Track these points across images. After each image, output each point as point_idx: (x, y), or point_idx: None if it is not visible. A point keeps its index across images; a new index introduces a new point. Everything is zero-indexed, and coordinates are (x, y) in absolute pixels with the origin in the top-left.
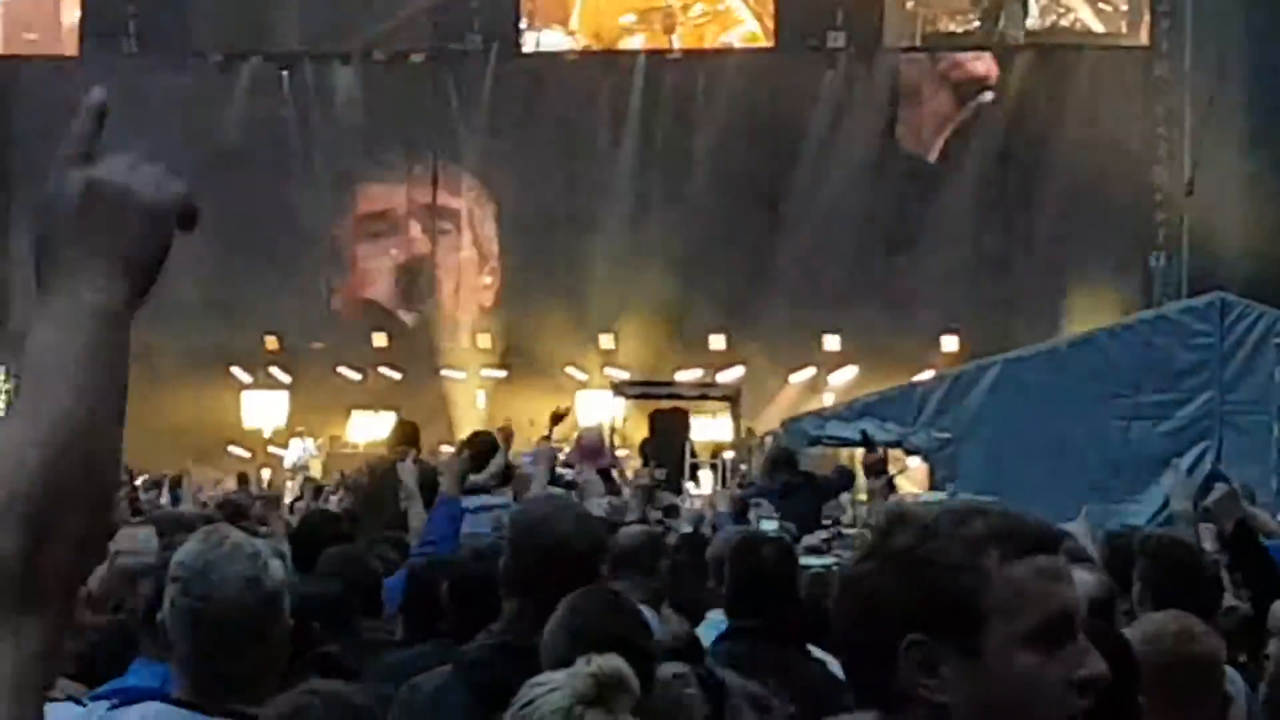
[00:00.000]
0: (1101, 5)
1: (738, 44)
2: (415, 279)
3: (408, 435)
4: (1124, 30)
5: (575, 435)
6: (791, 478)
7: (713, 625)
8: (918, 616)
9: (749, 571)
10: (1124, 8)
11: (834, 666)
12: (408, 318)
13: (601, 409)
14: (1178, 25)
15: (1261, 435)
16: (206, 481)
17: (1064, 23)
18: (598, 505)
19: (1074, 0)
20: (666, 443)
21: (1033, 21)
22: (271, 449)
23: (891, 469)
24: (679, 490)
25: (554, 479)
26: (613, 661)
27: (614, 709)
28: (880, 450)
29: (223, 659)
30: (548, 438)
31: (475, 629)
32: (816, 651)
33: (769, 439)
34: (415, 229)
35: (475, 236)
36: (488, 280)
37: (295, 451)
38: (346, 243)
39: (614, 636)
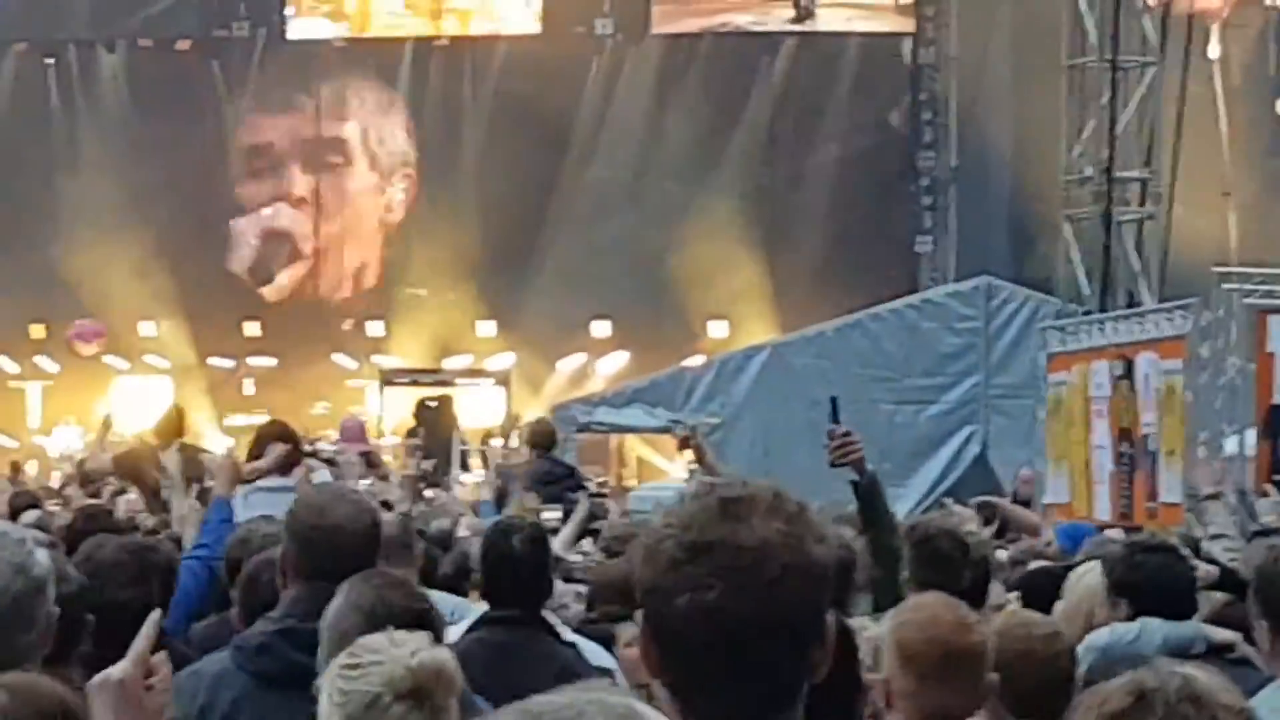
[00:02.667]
0: None
1: (505, 31)
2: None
3: (174, 423)
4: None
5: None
6: (552, 466)
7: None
8: None
9: (501, 560)
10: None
11: (587, 650)
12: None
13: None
14: (944, 11)
15: (1026, 419)
16: None
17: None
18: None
19: None
20: (434, 431)
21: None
22: (36, 439)
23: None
24: (446, 480)
25: (313, 454)
26: (437, 656)
27: (427, 703)
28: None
29: None
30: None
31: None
32: (569, 635)
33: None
34: None
35: None
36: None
37: (62, 441)
38: None
39: (412, 613)
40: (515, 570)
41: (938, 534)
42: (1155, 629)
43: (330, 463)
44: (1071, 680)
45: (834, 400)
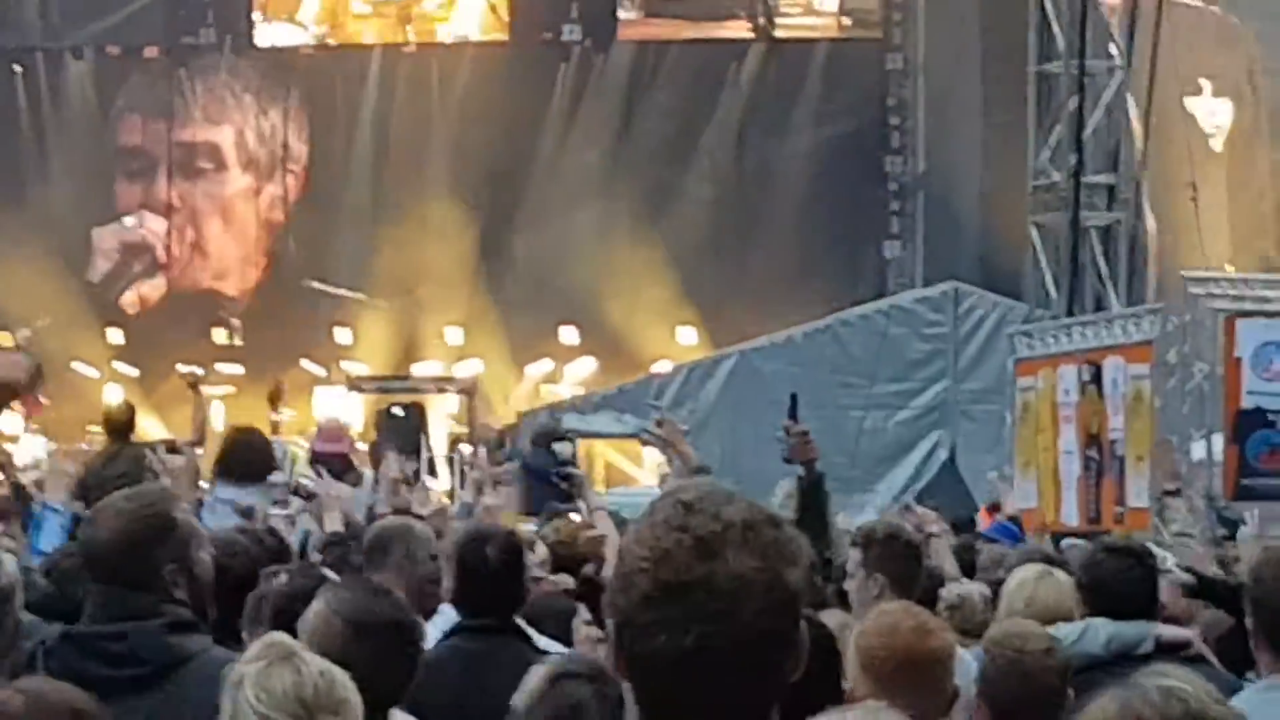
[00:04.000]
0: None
1: (473, 37)
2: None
3: (118, 425)
4: (855, 22)
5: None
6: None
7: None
8: None
9: (475, 568)
10: (858, 2)
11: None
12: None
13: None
14: (910, 16)
15: (994, 425)
16: None
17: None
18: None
19: None
20: (399, 438)
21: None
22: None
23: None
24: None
25: (295, 490)
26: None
27: None
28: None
29: None
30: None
31: None
32: (543, 642)
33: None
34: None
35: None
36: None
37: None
38: None
39: (387, 621)
40: (489, 578)
41: (893, 536)
42: (1099, 628)
43: (310, 496)
44: (1061, 693)
45: (794, 397)
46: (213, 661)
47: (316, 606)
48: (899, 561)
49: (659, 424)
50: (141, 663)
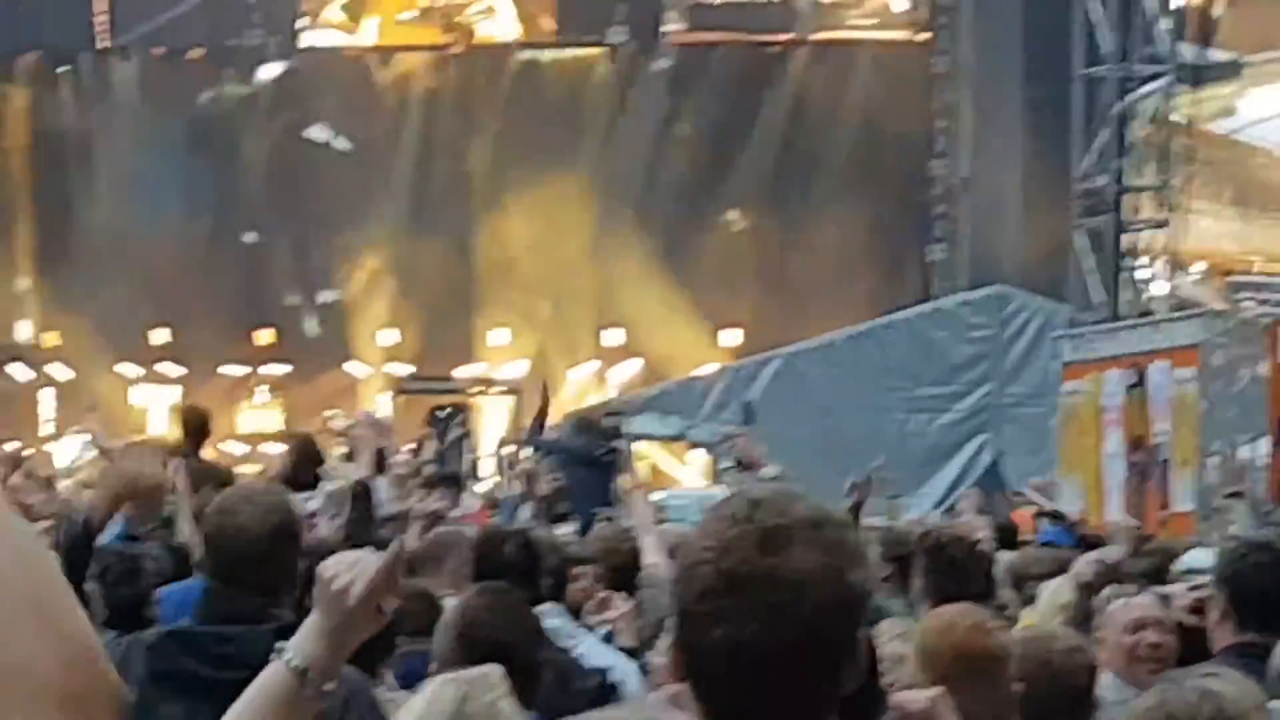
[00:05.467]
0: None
1: (518, 40)
2: None
3: (193, 426)
4: (903, 26)
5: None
6: (595, 449)
7: None
8: None
9: (492, 566)
10: (904, 5)
11: (584, 650)
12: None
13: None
14: (956, 20)
15: (1039, 427)
16: None
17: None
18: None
19: None
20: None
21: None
22: (46, 447)
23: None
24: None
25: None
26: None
27: None
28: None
29: None
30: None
31: None
32: (564, 641)
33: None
34: None
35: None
36: None
37: (71, 449)
38: None
39: (502, 643)
40: (506, 576)
41: (950, 541)
42: None
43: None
44: (1089, 694)
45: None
46: None
47: (456, 604)
48: (950, 571)
49: (731, 440)
50: (245, 666)
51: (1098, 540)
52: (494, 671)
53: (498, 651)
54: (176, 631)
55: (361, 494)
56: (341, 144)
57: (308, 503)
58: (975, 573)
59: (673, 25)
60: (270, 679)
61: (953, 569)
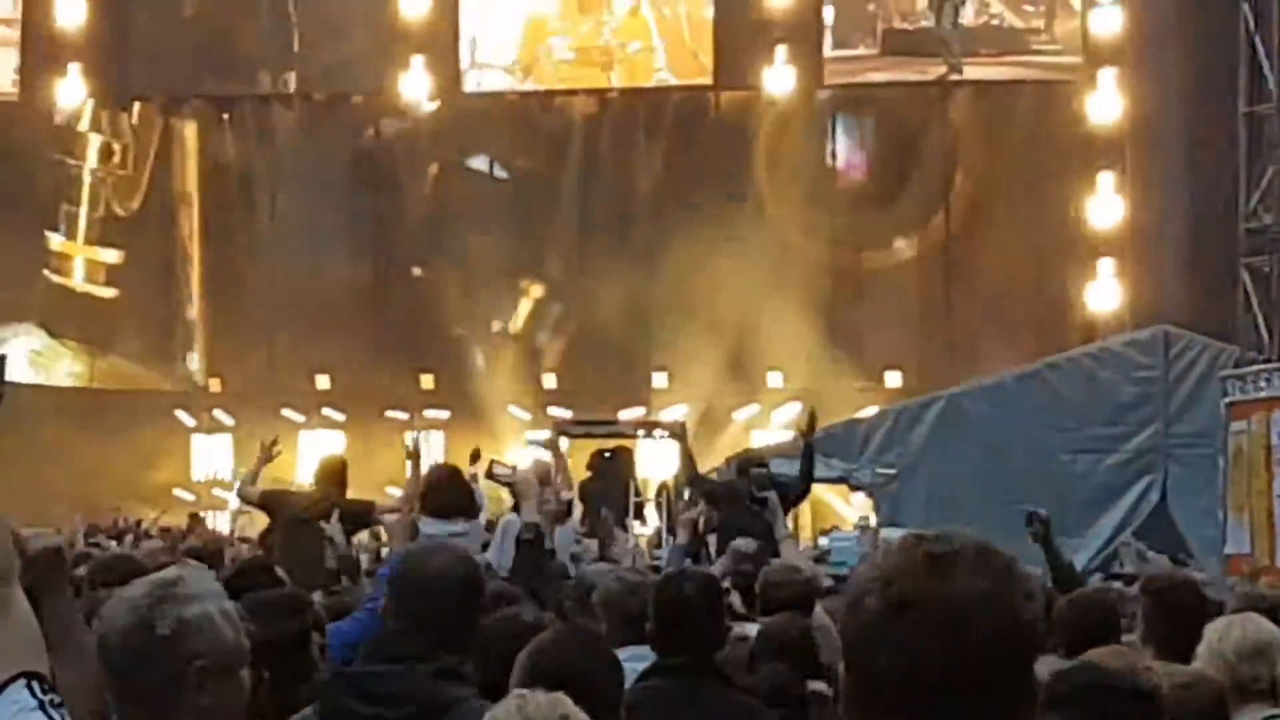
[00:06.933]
0: (1038, 46)
1: (675, 82)
2: None
3: (333, 476)
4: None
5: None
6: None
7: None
8: None
9: (673, 607)
10: (1060, 49)
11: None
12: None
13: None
14: (1119, 57)
15: (1206, 469)
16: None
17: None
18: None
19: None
20: (609, 482)
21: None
22: (216, 491)
23: None
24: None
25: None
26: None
27: None
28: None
29: (113, 690)
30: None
31: None
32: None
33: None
34: None
35: None
36: None
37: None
38: None
39: (574, 674)
40: (687, 618)
41: (1181, 585)
42: None
43: (509, 485)
44: None
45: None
46: (472, 711)
47: (521, 660)
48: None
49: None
50: (405, 705)
51: None
52: (561, 697)
53: (565, 682)
54: (344, 674)
55: (533, 539)
56: (500, 173)
57: (450, 532)
58: (1203, 618)
59: (832, 62)
60: None
61: (1177, 616)
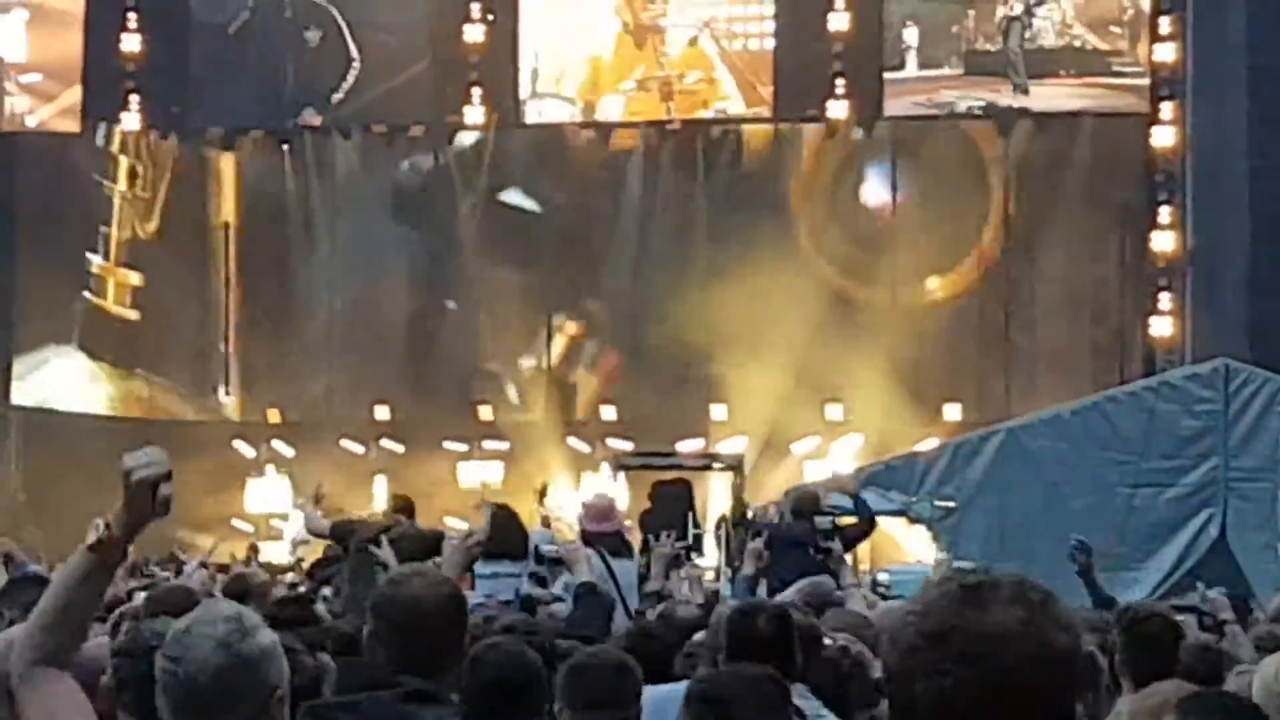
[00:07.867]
0: (1119, 68)
1: (736, 113)
2: None
3: (399, 509)
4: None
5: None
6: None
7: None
8: None
9: (745, 640)
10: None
11: None
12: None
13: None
14: (1179, 90)
15: (1266, 503)
16: (200, 553)
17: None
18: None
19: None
20: (667, 514)
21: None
22: (274, 522)
23: None
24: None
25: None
26: None
27: None
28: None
29: None
30: (546, 520)
31: None
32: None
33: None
34: None
35: None
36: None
37: (296, 525)
38: None
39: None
40: (760, 650)
41: (1148, 617)
42: None
43: (556, 561)
44: None
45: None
46: None
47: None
48: (1147, 647)
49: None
50: None
51: None
52: None
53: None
54: (312, 706)
55: (589, 592)
56: (531, 205)
57: (504, 573)
58: (1175, 650)
59: (910, 83)
60: (73, 560)
61: (1149, 645)
